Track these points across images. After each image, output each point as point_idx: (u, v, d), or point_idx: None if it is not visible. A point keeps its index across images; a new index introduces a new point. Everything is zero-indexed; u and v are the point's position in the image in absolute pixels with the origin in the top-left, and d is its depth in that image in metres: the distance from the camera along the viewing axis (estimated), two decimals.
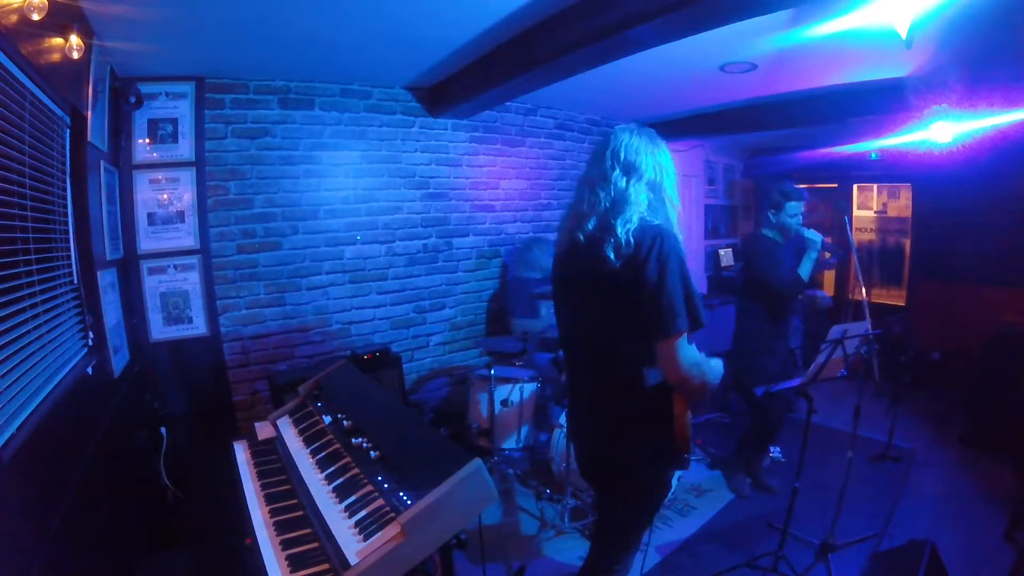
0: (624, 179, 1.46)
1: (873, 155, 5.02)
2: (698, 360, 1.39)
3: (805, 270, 2.87)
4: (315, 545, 1.39)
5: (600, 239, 1.43)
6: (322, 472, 1.63)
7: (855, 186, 6.02)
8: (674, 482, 2.55)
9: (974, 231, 4.67)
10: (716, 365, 1.44)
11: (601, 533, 1.76)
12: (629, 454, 1.51)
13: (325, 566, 1.30)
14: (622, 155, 1.49)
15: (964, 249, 4.78)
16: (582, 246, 1.49)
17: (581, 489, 2.90)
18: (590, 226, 1.48)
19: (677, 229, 1.49)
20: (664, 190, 1.51)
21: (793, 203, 2.93)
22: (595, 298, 1.50)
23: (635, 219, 1.41)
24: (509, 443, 3.32)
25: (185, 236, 3.00)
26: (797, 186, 2.99)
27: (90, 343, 2.06)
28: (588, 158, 1.61)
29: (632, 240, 1.38)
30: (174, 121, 2.94)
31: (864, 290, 2.84)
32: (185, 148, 2.97)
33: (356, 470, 1.56)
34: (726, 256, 6.19)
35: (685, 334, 1.35)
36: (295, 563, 1.32)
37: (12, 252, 1.43)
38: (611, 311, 1.46)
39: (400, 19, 2.39)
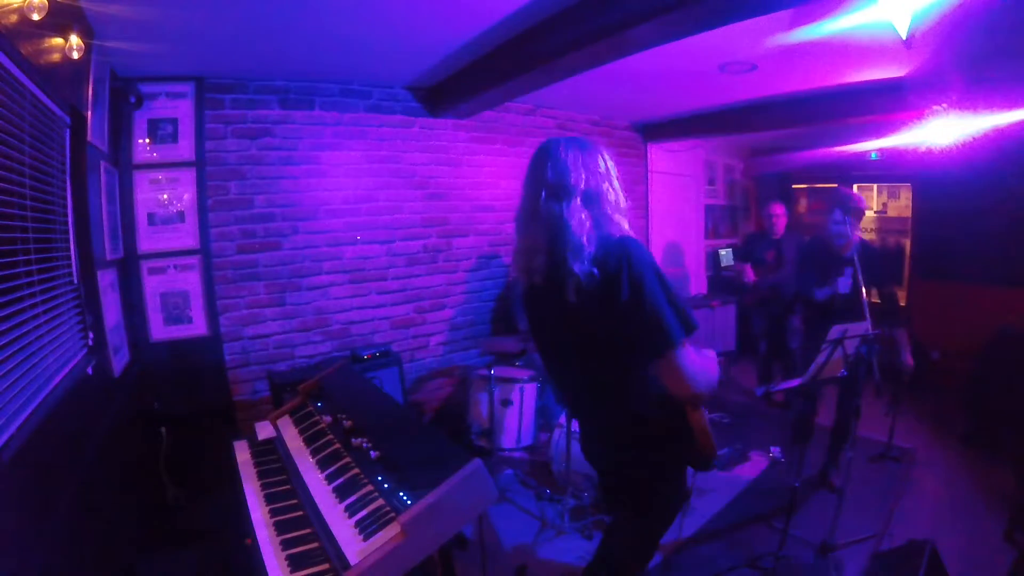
0: (556, 204, 1.33)
1: (873, 155, 5.02)
2: (703, 367, 1.33)
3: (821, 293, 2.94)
4: (315, 545, 1.39)
5: (557, 279, 1.33)
6: (322, 472, 1.63)
7: (855, 186, 6.02)
8: None
9: (974, 231, 4.66)
10: (711, 361, 1.39)
11: (622, 548, 1.63)
12: (651, 470, 1.47)
13: (325, 566, 1.30)
14: (549, 177, 1.35)
15: (964, 249, 4.77)
16: (542, 288, 1.40)
17: (581, 489, 2.90)
18: (542, 265, 1.37)
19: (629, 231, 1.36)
20: (604, 198, 1.36)
21: (836, 210, 2.90)
22: (574, 334, 1.41)
23: (585, 247, 1.29)
24: (509, 443, 3.32)
25: (185, 236, 3.00)
26: (852, 194, 2.94)
27: (90, 343, 2.06)
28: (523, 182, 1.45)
29: (595, 271, 1.27)
30: (174, 121, 2.94)
31: (864, 290, 2.83)
32: (185, 148, 2.97)
33: (356, 470, 1.56)
34: (726, 256, 6.19)
35: (681, 345, 1.27)
36: (295, 563, 1.32)
37: (12, 252, 1.43)
38: (593, 343, 1.38)
39: (400, 19, 2.39)
